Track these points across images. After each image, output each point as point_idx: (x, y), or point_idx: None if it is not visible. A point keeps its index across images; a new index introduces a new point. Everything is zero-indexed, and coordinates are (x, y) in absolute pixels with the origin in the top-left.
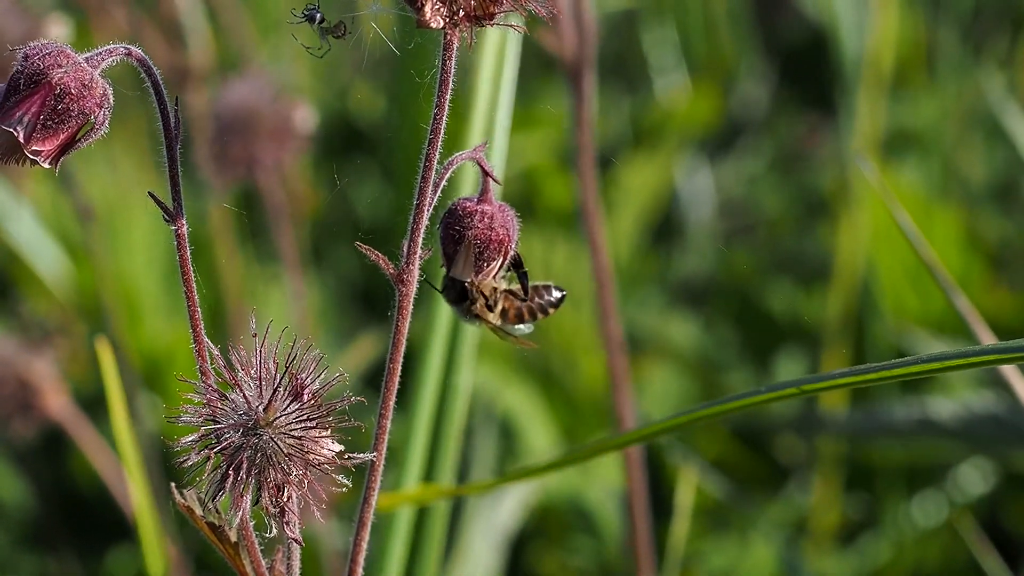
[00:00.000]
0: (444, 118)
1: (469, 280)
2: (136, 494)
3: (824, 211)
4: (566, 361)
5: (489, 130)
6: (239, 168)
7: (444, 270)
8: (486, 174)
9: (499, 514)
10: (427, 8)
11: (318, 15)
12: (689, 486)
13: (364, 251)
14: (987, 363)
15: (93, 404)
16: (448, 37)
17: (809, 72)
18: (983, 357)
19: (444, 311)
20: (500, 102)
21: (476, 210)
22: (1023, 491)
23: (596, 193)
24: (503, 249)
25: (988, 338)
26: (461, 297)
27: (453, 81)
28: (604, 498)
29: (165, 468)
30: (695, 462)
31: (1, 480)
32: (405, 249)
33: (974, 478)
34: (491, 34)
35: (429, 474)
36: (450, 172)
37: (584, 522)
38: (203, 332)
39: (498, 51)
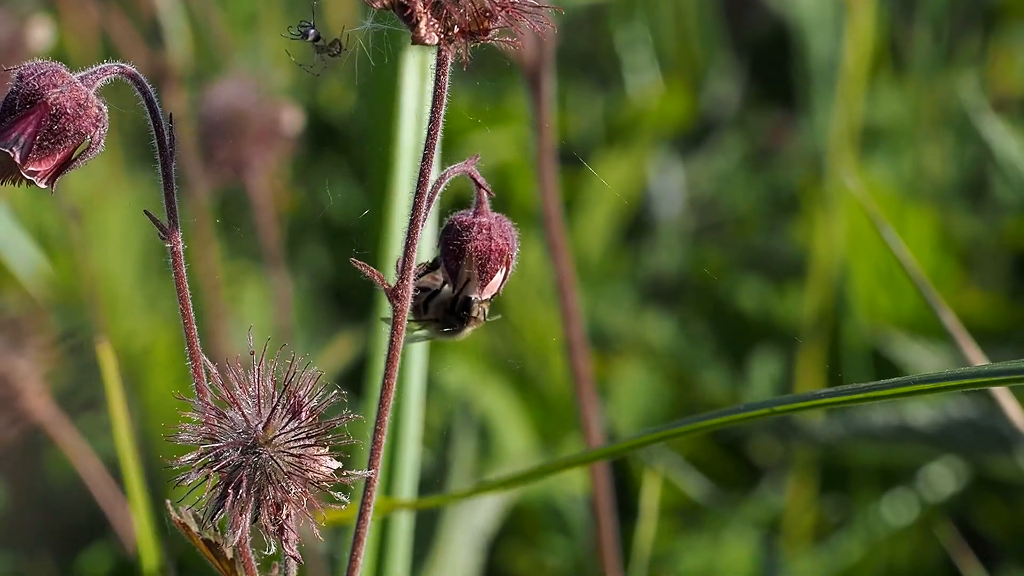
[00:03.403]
0: (439, 133)
1: (474, 294)
2: (138, 517)
3: (794, 208)
4: (540, 361)
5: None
6: (226, 170)
7: (419, 292)
8: (479, 186)
9: (477, 516)
10: (422, 24)
11: (312, 32)
12: (655, 487)
13: (360, 267)
14: (978, 385)
15: (66, 401)
16: (443, 53)
17: (777, 69)
18: (975, 379)
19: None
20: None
21: (473, 223)
22: (993, 491)
23: (558, 196)
24: (504, 259)
25: (968, 344)
26: (449, 312)
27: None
28: (575, 497)
29: (145, 466)
30: (669, 460)
31: None
32: (399, 264)
33: (946, 477)
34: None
35: (389, 478)
36: (443, 185)
37: (558, 521)
38: (199, 348)
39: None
